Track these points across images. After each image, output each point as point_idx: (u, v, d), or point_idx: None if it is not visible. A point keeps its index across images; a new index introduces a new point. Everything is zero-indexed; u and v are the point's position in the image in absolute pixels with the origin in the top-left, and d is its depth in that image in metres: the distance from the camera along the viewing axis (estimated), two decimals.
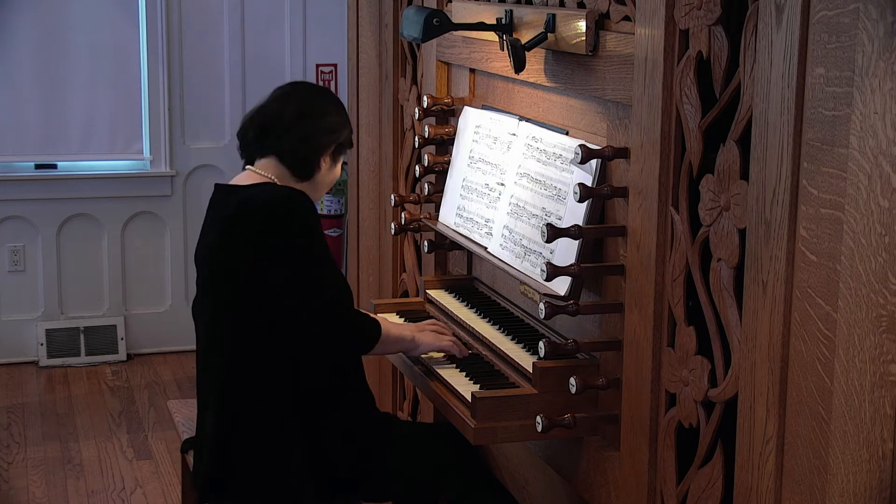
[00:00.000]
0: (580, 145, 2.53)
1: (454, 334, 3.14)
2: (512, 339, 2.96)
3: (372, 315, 3.02)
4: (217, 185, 2.97)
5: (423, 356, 3.02)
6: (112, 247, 6.11)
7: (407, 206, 3.58)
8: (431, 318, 3.30)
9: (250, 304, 2.78)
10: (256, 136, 2.95)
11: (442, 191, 3.35)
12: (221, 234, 2.85)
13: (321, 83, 6.28)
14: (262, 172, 2.92)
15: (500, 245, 2.96)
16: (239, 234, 2.81)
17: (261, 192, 2.84)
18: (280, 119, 2.93)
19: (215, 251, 2.87)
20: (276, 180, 2.90)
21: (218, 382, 2.85)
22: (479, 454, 3.22)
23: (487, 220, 3.06)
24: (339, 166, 3.02)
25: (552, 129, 2.86)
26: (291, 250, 2.77)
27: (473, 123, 3.23)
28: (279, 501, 2.82)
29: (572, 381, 2.55)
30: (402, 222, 3.50)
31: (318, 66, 6.28)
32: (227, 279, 2.81)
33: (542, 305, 2.58)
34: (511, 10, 2.90)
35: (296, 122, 2.92)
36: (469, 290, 3.37)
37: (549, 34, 2.72)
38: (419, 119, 3.52)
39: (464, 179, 3.22)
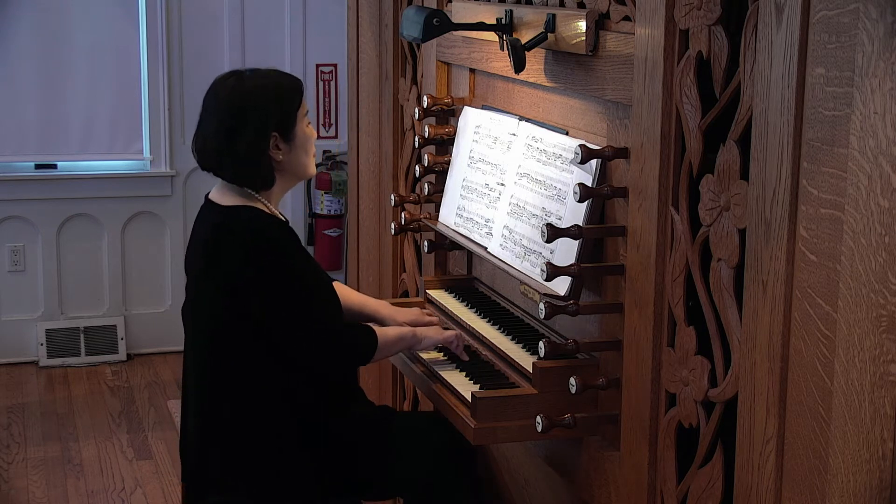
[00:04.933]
0: (580, 145, 2.53)
1: None
2: (512, 339, 2.96)
3: (363, 324, 2.98)
4: (206, 197, 2.91)
5: (423, 356, 3.02)
6: (112, 247, 6.11)
7: (407, 206, 3.58)
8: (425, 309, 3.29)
9: (234, 335, 2.78)
10: (201, 166, 2.88)
11: (442, 191, 3.35)
12: (201, 267, 2.83)
13: (321, 83, 6.28)
14: (233, 186, 2.85)
15: (500, 245, 2.96)
16: (215, 263, 2.79)
17: (234, 220, 2.79)
18: (208, 152, 2.83)
19: (197, 275, 2.86)
20: (251, 192, 2.84)
21: (206, 388, 2.84)
22: (479, 452, 3.21)
23: (487, 220, 3.06)
24: (299, 135, 2.84)
25: (552, 129, 2.86)
26: (265, 281, 2.74)
27: (473, 123, 3.23)
28: (279, 501, 2.82)
29: (572, 381, 2.55)
30: (402, 222, 3.50)
31: (318, 66, 6.28)
32: (210, 304, 2.81)
33: (542, 305, 2.58)
34: (511, 10, 2.90)
35: (221, 153, 2.80)
36: (469, 290, 3.37)
37: (549, 34, 2.72)
38: (419, 119, 3.52)
39: (464, 179, 3.22)
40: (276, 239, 2.79)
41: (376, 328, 2.93)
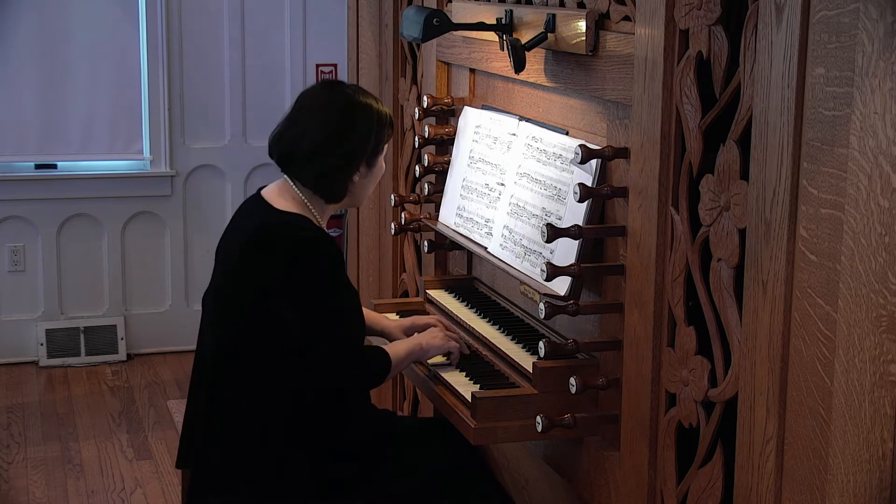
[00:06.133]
0: (580, 145, 2.53)
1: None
2: (512, 339, 2.96)
3: (379, 347, 2.98)
4: (259, 190, 2.94)
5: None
6: (112, 247, 6.11)
7: (407, 206, 3.58)
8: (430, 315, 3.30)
9: (257, 333, 2.78)
10: (279, 162, 2.92)
11: (442, 191, 3.35)
12: (239, 260, 2.82)
13: None
14: (295, 189, 2.88)
15: (500, 245, 2.96)
16: (254, 267, 2.79)
17: (287, 225, 2.80)
18: (296, 152, 2.86)
19: (231, 274, 2.85)
20: (307, 202, 2.87)
21: (217, 386, 2.84)
22: (479, 452, 3.22)
23: (487, 220, 3.06)
24: (378, 165, 2.93)
25: (552, 129, 2.86)
26: (304, 291, 2.75)
27: (473, 123, 3.23)
28: (279, 503, 2.82)
29: (572, 381, 2.55)
30: (402, 222, 3.50)
31: (318, 66, 6.28)
32: (239, 298, 2.80)
33: (542, 305, 2.58)
34: (511, 10, 2.90)
35: (312, 157, 2.84)
36: (469, 290, 3.37)
37: (549, 34, 2.72)
38: (419, 119, 3.52)
39: (464, 179, 3.22)
40: (323, 253, 2.79)
41: (387, 348, 2.94)
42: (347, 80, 4.44)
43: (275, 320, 2.76)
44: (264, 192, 2.92)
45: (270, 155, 2.94)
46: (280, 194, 2.89)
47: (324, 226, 2.93)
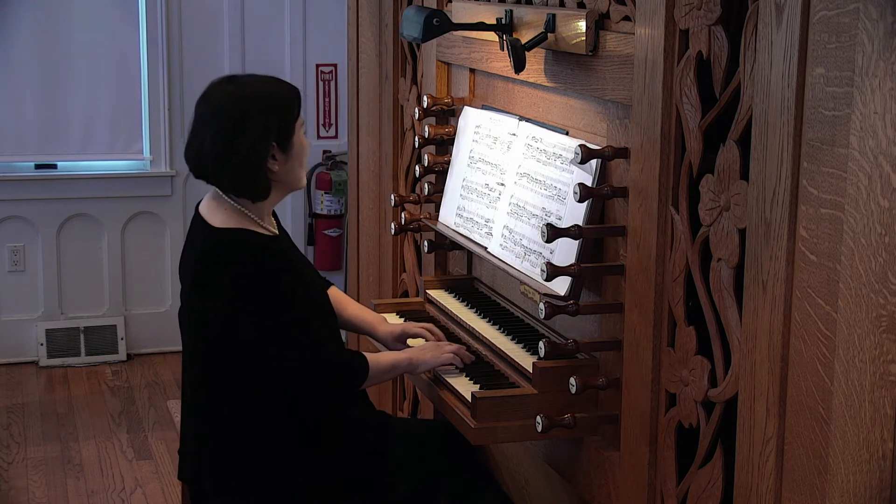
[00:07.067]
0: (580, 145, 2.53)
1: (455, 336, 3.14)
2: (512, 339, 2.96)
3: (357, 352, 2.93)
4: (196, 209, 2.86)
5: None
6: (112, 247, 6.11)
7: (407, 206, 3.58)
8: (431, 318, 3.30)
9: (227, 347, 2.74)
10: (195, 175, 2.84)
11: (442, 191, 3.35)
12: (192, 286, 2.79)
13: (321, 83, 6.29)
14: (225, 198, 2.81)
15: (500, 245, 2.96)
16: (205, 289, 2.75)
17: (225, 247, 2.75)
18: (204, 161, 2.78)
19: (190, 296, 2.82)
20: (241, 208, 2.79)
21: (202, 392, 2.83)
22: (479, 453, 3.22)
23: (487, 220, 3.06)
24: (296, 145, 2.79)
25: (552, 129, 2.86)
26: (257, 311, 2.70)
27: (473, 123, 3.23)
28: None
29: (572, 381, 2.55)
30: (402, 222, 3.50)
31: (318, 66, 6.28)
32: (201, 321, 2.77)
33: (542, 305, 2.58)
34: (511, 10, 2.90)
35: (218, 162, 2.75)
36: (469, 290, 3.37)
37: (549, 34, 2.72)
38: (419, 119, 3.52)
39: (464, 179, 3.22)
40: (267, 267, 2.74)
41: (370, 356, 2.90)
42: (347, 80, 4.44)
43: (240, 336, 2.73)
44: (201, 209, 2.85)
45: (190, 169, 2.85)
46: (214, 209, 2.81)
47: (266, 226, 2.84)
